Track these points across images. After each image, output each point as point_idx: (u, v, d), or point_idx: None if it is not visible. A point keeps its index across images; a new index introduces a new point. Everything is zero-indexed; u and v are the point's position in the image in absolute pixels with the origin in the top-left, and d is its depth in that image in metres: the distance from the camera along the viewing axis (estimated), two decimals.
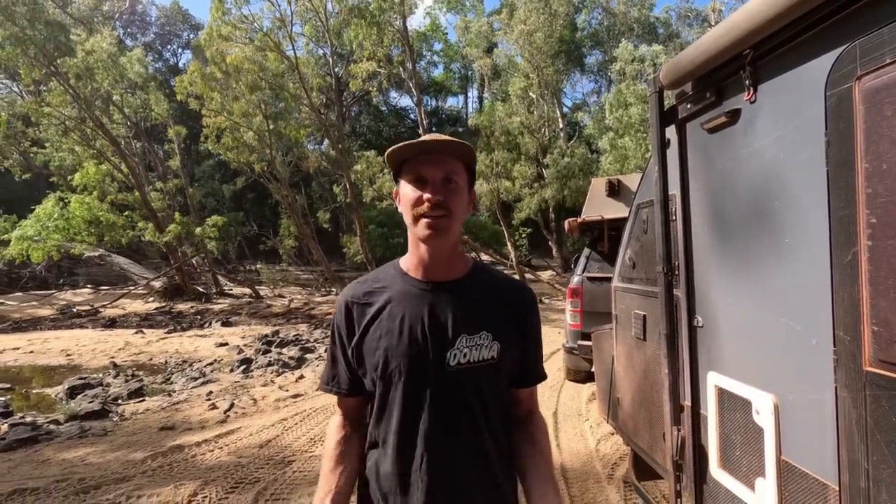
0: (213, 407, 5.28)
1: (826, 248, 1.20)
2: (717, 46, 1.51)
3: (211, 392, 5.90)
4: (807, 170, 1.27)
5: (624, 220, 2.79)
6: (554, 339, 8.82)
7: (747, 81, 1.46)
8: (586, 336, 5.00)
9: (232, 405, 5.29)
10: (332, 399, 5.37)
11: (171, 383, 6.62)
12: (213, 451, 4.04)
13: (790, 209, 1.34)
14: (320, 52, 25.23)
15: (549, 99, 27.97)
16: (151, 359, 8.29)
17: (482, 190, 19.90)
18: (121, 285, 18.44)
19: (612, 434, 4.14)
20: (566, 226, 5.62)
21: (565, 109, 33.04)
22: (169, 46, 41.02)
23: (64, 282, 19.95)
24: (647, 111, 17.14)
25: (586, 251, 5.60)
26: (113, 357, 8.31)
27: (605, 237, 5.39)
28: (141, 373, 7.20)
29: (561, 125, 29.11)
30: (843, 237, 1.14)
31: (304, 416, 4.83)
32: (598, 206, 5.38)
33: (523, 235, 23.01)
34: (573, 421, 4.64)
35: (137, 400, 5.74)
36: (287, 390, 5.88)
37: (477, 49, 28.34)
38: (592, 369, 4.60)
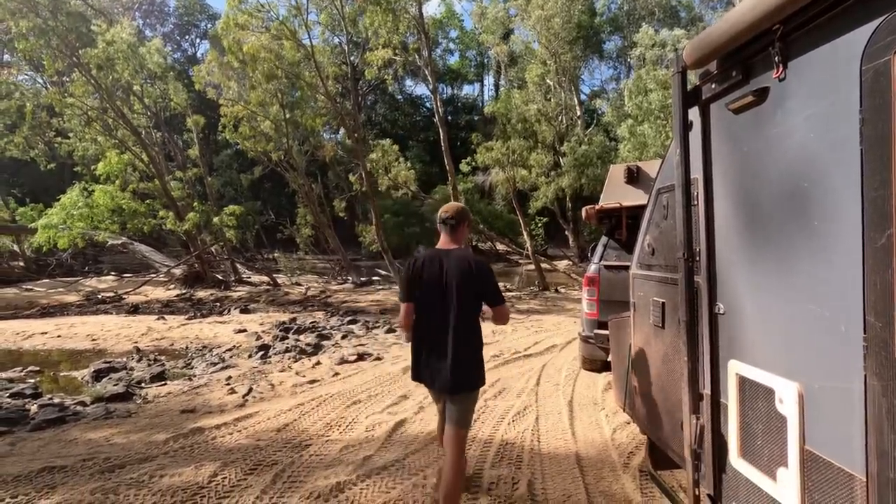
0: (233, 391, 5.38)
1: (858, 230, 1.15)
2: (745, 22, 1.45)
3: (230, 377, 6.02)
4: (839, 149, 1.22)
5: (643, 207, 2.73)
6: (570, 329, 8.77)
7: (777, 58, 1.40)
8: (602, 325, 4.95)
9: (250, 390, 5.39)
10: (347, 386, 5.43)
11: (192, 368, 6.76)
12: (232, 433, 4.12)
13: (820, 191, 1.29)
14: (336, 40, 25.17)
15: (566, 86, 27.56)
16: (173, 344, 8.47)
17: (498, 178, 19.75)
18: (143, 273, 18.86)
19: (629, 423, 4.11)
20: (583, 213, 5.54)
21: (583, 97, 32.50)
22: (187, 37, 41.40)
23: (89, 269, 20.50)
24: (667, 97, 16.74)
25: (604, 239, 5.51)
26: (136, 342, 8.52)
27: (623, 225, 5.29)
28: (163, 357, 7.37)
29: (578, 113, 28.67)
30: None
31: (320, 402, 4.89)
32: (617, 194, 5.28)
33: (539, 225, 22.79)
34: (589, 410, 4.61)
35: (159, 383, 5.88)
36: (304, 376, 5.96)
37: (493, 36, 27.94)
38: (608, 358, 4.56)
